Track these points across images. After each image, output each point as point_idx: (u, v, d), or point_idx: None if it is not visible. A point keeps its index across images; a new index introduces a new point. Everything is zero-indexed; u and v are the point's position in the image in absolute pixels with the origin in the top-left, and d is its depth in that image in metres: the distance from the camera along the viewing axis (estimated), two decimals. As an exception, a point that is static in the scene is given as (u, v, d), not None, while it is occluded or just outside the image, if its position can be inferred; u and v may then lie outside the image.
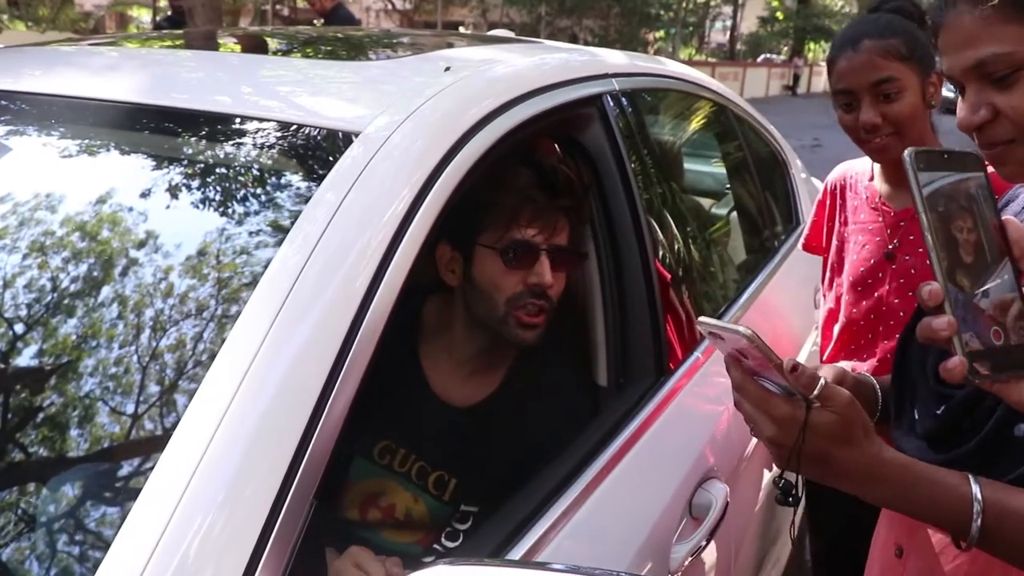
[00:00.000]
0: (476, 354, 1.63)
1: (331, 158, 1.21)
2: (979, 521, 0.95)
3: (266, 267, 1.06)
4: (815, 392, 0.93)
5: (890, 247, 1.93)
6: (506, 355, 1.63)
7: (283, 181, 1.26)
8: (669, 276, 1.87)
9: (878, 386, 1.29)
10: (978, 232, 0.84)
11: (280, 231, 1.13)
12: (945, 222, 0.84)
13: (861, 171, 2.08)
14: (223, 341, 0.98)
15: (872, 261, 1.96)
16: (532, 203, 1.54)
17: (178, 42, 2.22)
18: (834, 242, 2.11)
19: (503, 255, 1.54)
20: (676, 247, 2.05)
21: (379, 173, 1.17)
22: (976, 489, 0.96)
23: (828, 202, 2.15)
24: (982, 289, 0.83)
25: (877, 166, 2.01)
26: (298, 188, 1.23)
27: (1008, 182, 1.09)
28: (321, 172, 1.19)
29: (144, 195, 1.26)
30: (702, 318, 0.98)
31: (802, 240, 2.36)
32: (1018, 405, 0.84)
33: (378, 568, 1.25)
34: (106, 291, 1.13)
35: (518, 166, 1.56)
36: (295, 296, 1.01)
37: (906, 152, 0.85)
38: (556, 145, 1.77)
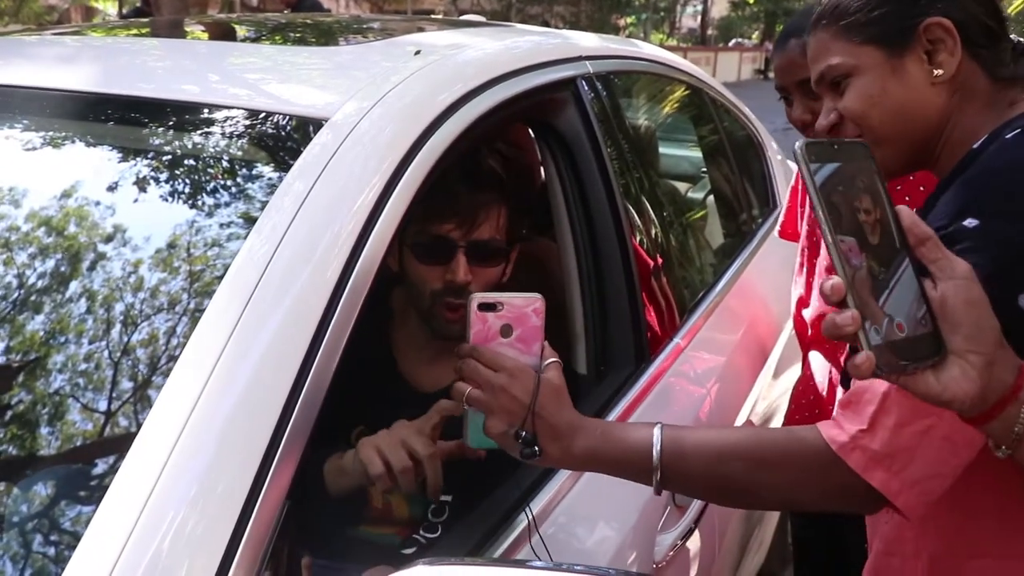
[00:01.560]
0: (434, 337, 1.59)
1: (299, 146, 1.17)
2: (658, 452, 1.08)
3: (234, 258, 1.02)
4: (546, 363, 1.12)
5: None
6: None
7: (250, 170, 1.23)
8: (650, 261, 1.85)
9: None
10: (877, 213, 0.84)
11: (248, 221, 1.10)
12: (845, 210, 0.82)
13: None
14: (191, 334, 0.95)
15: None
16: (448, 198, 1.49)
17: (144, 31, 2.17)
18: (804, 227, 2.09)
19: (415, 252, 1.52)
20: (654, 232, 2.03)
21: (348, 161, 1.14)
22: (658, 433, 1.10)
23: (799, 188, 2.14)
24: (889, 281, 0.82)
25: None
26: (266, 177, 1.20)
27: None
28: (289, 160, 1.16)
29: (110, 187, 1.23)
30: (477, 294, 1.11)
31: (778, 228, 2.34)
32: (924, 397, 0.84)
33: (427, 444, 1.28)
34: (71, 285, 1.10)
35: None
36: (264, 287, 0.98)
37: (796, 145, 0.84)
38: (529, 130, 1.74)
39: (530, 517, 1.22)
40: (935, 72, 1.11)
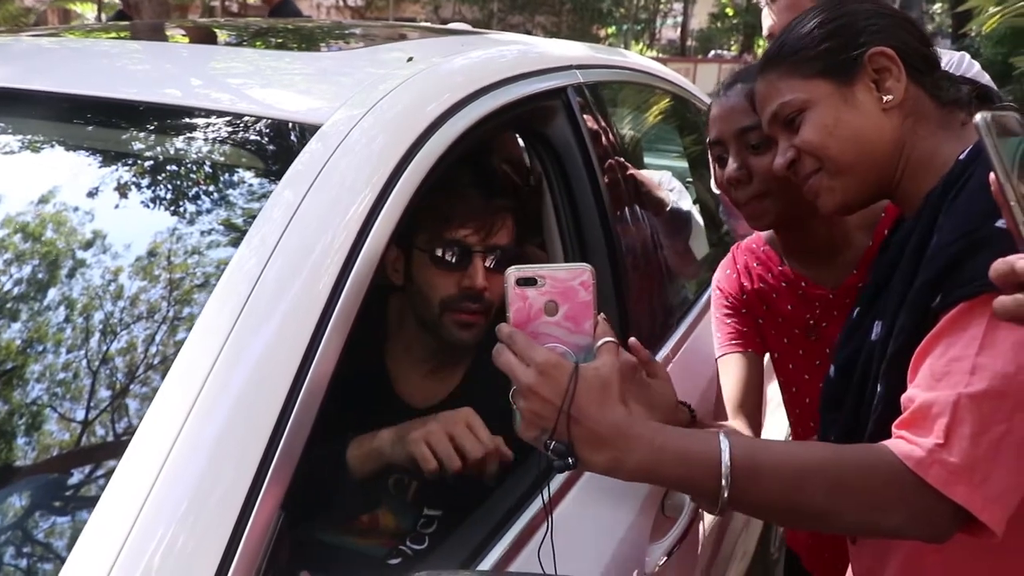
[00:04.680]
0: (433, 352, 1.59)
1: (288, 155, 1.16)
2: (727, 468, 0.97)
3: (223, 269, 1.01)
4: (598, 344, 0.98)
5: (812, 322, 1.64)
6: (466, 352, 1.59)
7: (238, 178, 1.22)
8: (638, 271, 1.84)
9: None
10: None
11: (237, 232, 1.08)
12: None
13: (762, 253, 1.71)
14: (182, 346, 0.93)
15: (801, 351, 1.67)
16: (467, 203, 1.50)
17: (124, 34, 2.14)
18: (760, 339, 1.72)
19: (433, 257, 1.51)
20: (642, 241, 2.03)
21: (340, 170, 1.13)
22: (726, 446, 0.97)
23: (736, 304, 1.72)
24: None
25: (776, 245, 1.69)
26: (255, 186, 1.18)
27: (827, 213, 1.25)
28: (278, 169, 1.14)
29: (91, 194, 1.21)
30: (514, 267, 0.98)
31: (719, 350, 1.75)
32: None
33: (487, 435, 1.27)
34: (57, 295, 1.08)
35: (458, 165, 1.52)
36: (255, 299, 0.96)
37: (979, 116, 0.81)
38: (519, 138, 1.73)
39: (545, 499, 1.14)
40: (884, 98, 1.16)
